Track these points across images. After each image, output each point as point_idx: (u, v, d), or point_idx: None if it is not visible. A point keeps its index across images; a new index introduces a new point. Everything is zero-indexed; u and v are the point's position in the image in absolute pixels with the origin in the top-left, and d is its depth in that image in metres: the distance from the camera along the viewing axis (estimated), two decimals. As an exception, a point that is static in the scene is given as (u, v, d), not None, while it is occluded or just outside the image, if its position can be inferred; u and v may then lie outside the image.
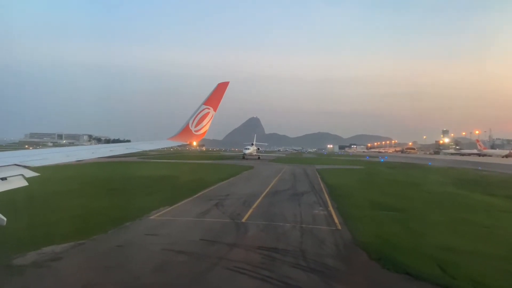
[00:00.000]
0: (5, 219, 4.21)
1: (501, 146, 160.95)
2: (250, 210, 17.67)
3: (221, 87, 9.78)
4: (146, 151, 10.52)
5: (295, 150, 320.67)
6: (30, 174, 4.86)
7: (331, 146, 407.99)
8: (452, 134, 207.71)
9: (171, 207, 18.09)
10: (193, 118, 9.52)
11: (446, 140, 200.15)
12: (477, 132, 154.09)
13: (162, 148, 10.50)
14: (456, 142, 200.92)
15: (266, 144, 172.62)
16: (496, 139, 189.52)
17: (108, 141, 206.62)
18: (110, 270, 9.31)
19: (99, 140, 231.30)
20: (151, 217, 15.68)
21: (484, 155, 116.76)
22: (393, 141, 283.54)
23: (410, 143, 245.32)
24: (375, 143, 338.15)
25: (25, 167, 4.96)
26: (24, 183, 4.65)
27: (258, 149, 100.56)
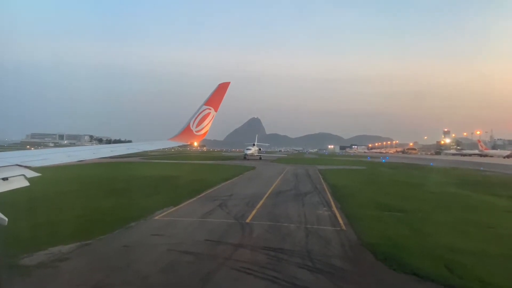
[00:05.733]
0: (6, 219, 4.18)
1: (502, 147, 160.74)
2: (254, 211, 17.66)
3: (222, 88, 9.74)
4: (147, 151, 10.44)
5: (296, 150, 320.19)
6: (32, 174, 4.81)
7: (332, 146, 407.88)
8: (453, 135, 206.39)
9: (175, 208, 18.09)
10: (194, 119, 9.47)
11: (447, 140, 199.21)
12: (478, 132, 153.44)
13: (163, 149, 10.48)
14: (457, 142, 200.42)
15: (267, 144, 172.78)
16: (498, 139, 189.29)
17: (109, 142, 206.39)
18: (117, 271, 9.31)
19: (100, 141, 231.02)
20: (156, 218, 15.69)
21: (486, 155, 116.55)
22: (394, 142, 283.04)
23: (411, 144, 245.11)
24: (376, 144, 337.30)
25: (26, 167, 4.91)
26: (26, 183, 4.61)
27: (260, 149, 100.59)
